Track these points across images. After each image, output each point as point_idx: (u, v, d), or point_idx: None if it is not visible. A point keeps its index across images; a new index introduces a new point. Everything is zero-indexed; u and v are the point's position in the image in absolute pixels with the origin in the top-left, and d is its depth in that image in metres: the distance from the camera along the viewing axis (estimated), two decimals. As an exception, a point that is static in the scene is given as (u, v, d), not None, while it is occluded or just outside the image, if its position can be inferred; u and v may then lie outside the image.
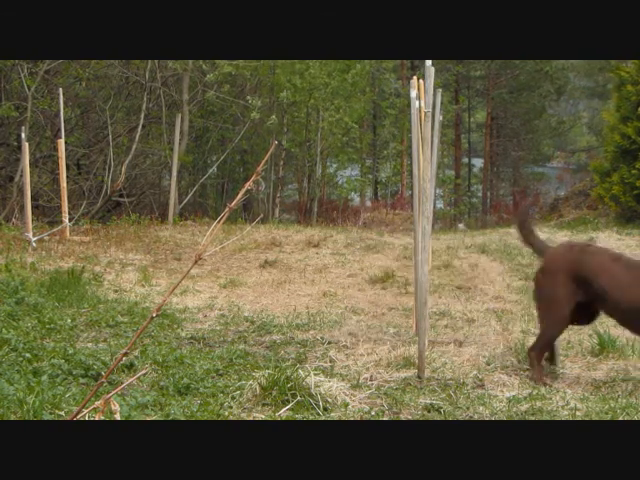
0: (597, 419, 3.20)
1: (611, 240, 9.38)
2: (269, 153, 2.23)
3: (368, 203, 24.85)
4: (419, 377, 3.74)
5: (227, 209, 1.96)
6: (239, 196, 2.00)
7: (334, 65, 16.63)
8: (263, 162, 2.10)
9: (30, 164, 9.80)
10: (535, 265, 7.62)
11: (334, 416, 3.20)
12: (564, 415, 3.26)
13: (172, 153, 12.26)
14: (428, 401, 3.41)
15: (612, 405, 3.35)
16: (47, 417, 2.96)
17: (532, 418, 3.23)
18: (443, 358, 4.09)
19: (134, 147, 13.85)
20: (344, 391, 3.47)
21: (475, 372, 3.86)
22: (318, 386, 3.34)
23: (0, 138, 13.13)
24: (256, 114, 14.40)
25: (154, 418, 3.06)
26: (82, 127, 15.31)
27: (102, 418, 2.32)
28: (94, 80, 14.58)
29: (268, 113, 15.98)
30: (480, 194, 29.35)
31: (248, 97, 14.78)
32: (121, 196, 14.28)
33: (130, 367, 3.81)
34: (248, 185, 1.98)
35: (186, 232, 9.92)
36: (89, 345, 4.25)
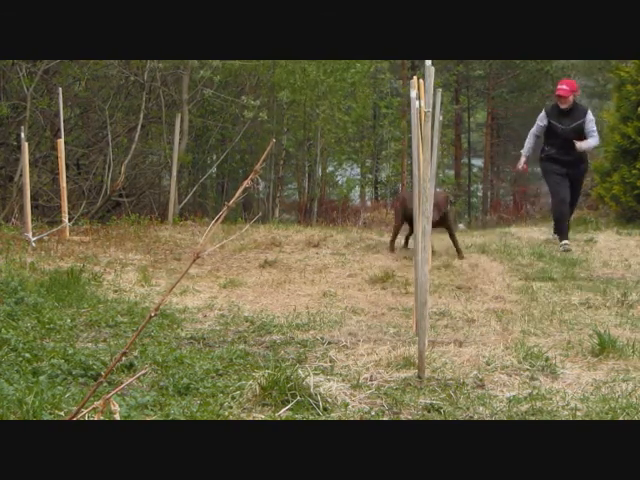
0: (597, 419, 3.19)
1: (611, 240, 9.38)
2: (267, 152, 2.23)
3: (368, 203, 24.86)
4: (419, 377, 3.74)
5: (225, 207, 1.96)
6: (237, 194, 2.00)
7: (332, 64, 16.63)
8: (262, 160, 2.10)
9: (30, 164, 9.80)
10: (534, 265, 7.63)
11: (334, 416, 3.20)
12: (564, 415, 3.26)
13: (172, 153, 12.25)
14: (428, 401, 3.40)
15: (612, 405, 3.35)
16: (47, 417, 2.96)
17: (532, 418, 3.23)
18: (443, 358, 4.08)
19: (133, 147, 13.85)
20: (344, 391, 3.47)
21: (475, 372, 3.86)
22: (318, 386, 3.34)
23: (-1, 138, 13.14)
24: (249, 113, 14.39)
25: (154, 418, 3.06)
26: (81, 127, 15.32)
27: (101, 418, 2.32)
28: (93, 80, 14.58)
29: (268, 113, 15.98)
30: (480, 194, 29.34)
31: (243, 97, 14.77)
32: (121, 196, 14.28)
33: (130, 367, 3.81)
34: (246, 183, 1.98)
35: (186, 232, 9.91)
36: (89, 345, 4.24)
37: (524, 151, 8.98)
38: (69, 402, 3.15)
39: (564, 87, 8.66)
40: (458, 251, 7.97)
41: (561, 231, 8.67)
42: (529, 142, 8.94)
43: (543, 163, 8.87)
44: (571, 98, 8.63)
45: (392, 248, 8.23)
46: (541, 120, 8.76)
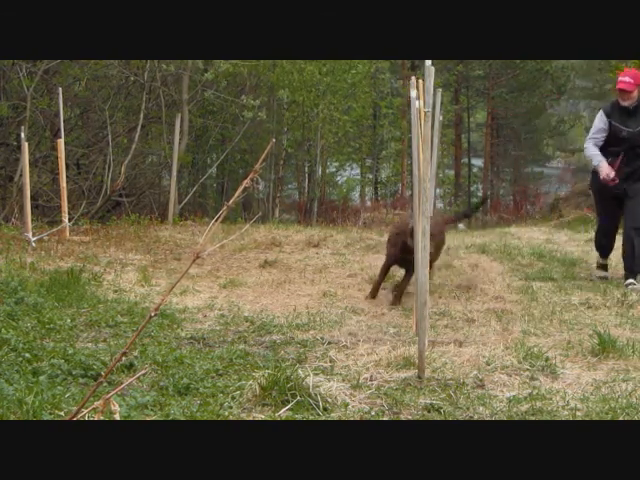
0: (597, 419, 3.19)
1: (611, 240, 9.36)
2: (266, 151, 2.23)
3: (368, 203, 24.90)
4: (419, 377, 3.74)
5: (225, 207, 1.96)
6: (237, 193, 2.00)
7: (332, 64, 16.65)
8: (261, 160, 2.10)
9: (30, 164, 9.80)
10: (534, 265, 7.64)
11: (334, 416, 3.20)
12: (564, 415, 3.26)
13: (172, 153, 12.26)
14: (428, 401, 3.40)
15: (612, 405, 3.35)
16: (46, 417, 2.96)
17: (532, 418, 3.23)
18: (443, 358, 4.08)
19: (134, 147, 13.86)
20: (344, 391, 3.47)
21: (475, 372, 3.86)
22: (318, 386, 3.34)
23: (-1, 138, 13.15)
24: (249, 113, 14.39)
25: (154, 418, 3.06)
26: (81, 127, 15.33)
27: (101, 418, 2.32)
28: (93, 80, 14.59)
29: (267, 113, 16.01)
30: (480, 194, 29.36)
31: (243, 97, 14.77)
32: (121, 196, 14.29)
33: (130, 367, 3.81)
34: (246, 183, 1.98)
35: (186, 232, 9.92)
36: (89, 345, 4.24)
37: (598, 161, 6.83)
38: (69, 402, 3.15)
39: (627, 79, 6.78)
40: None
41: (601, 256, 7.20)
42: (593, 152, 6.89)
43: (596, 178, 6.93)
44: (636, 93, 6.79)
45: (374, 294, 5.97)
46: (601, 122, 6.88)
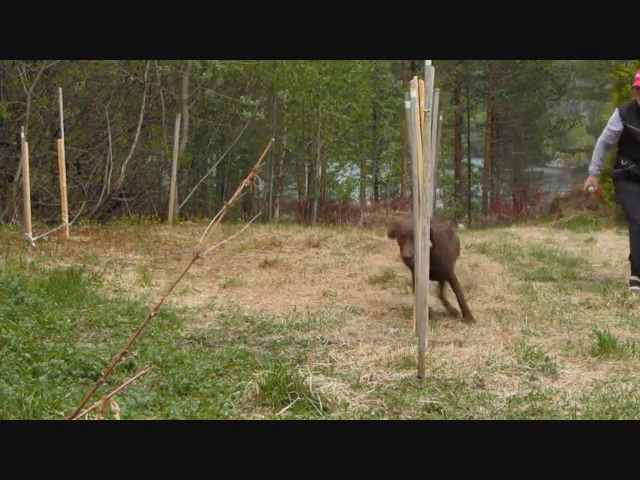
0: (597, 419, 3.19)
1: (611, 240, 9.39)
2: (266, 151, 2.23)
3: (368, 203, 24.91)
4: (419, 377, 3.74)
5: (224, 207, 1.96)
6: (236, 193, 2.00)
7: (331, 63, 16.67)
8: (261, 159, 2.10)
9: (30, 164, 9.81)
10: (534, 265, 7.64)
11: (334, 416, 3.20)
12: (564, 415, 3.26)
13: (172, 153, 12.27)
14: (428, 401, 3.40)
15: (612, 405, 3.34)
16: (46, 417, 2.96)
17: (532, 418, 3.23)
18: (443, 358, 4.08)
19: (133, 147, 13.86)
20: (344, 391, 3.47)
21: (475, 372, 3.86)
22: (318, 386, 3.34)
23: None
24: (248, 113, 14.40)
25: (154, 418, 3.06)
26: (81, 127, 15.34)
27: (102, 418, 2.32)
28: (93, 80, 14.60)
29: (267, 113, 16.02)
30: (480, 194, 29.37)
31: (242, 97, 14.78)
32: (121, 196, 14.30)
33: (130, 367, 3.81)
34: (245, 182, 1.98)
35: (186, 232, 9.93)
36: (89, 345, 4.24)
37: (592, 168, 6.78)
38: (69, 402, 3.15)
39: None
40: (464, 312, 5.28)
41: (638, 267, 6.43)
42: (598, 155, 6.70)
43: (618, 182, 6.64)
44: None
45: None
46: (614, 124, 6.50)
